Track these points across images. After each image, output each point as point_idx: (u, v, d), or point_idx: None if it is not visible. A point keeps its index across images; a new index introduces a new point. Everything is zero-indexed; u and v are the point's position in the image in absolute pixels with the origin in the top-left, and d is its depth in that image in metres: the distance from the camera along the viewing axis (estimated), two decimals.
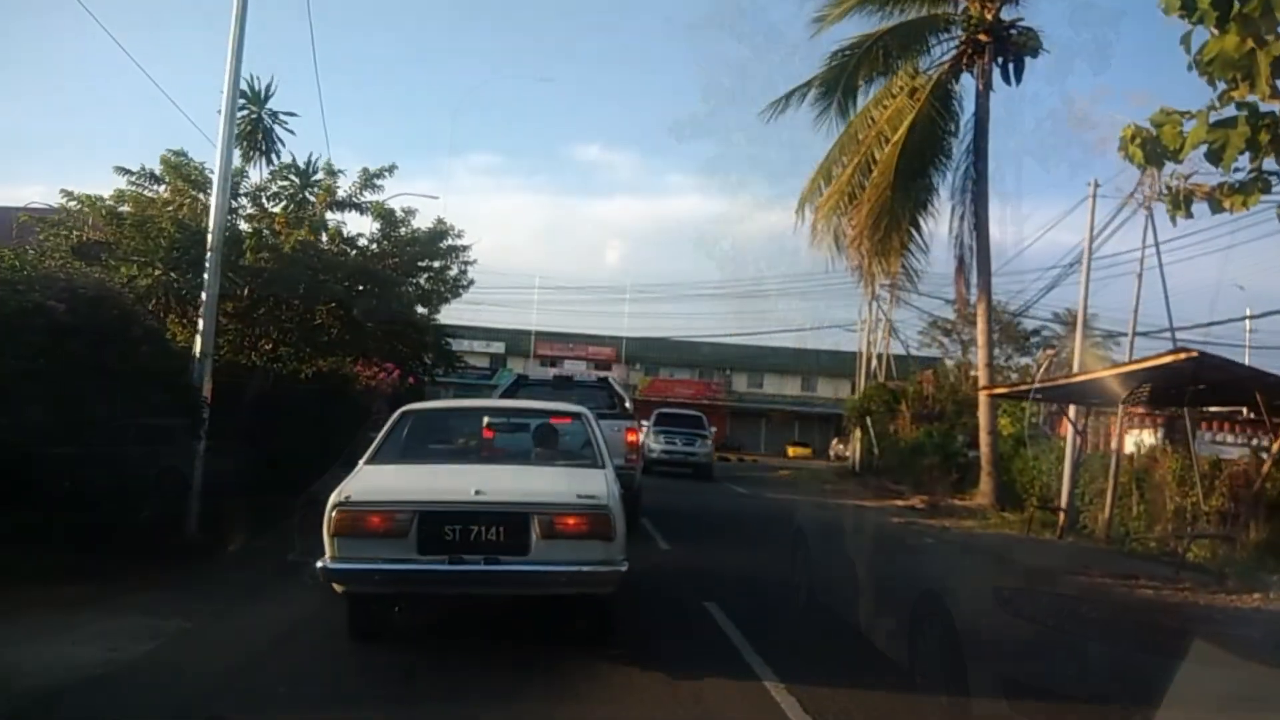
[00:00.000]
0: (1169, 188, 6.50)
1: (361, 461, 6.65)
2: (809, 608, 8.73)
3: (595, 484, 6.21)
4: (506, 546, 5.79)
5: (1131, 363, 13.77)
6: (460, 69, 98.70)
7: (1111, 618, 6.75)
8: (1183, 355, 12.22)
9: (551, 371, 26.49)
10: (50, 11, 73.16)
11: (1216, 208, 6.13)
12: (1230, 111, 5.47)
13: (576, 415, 7.89)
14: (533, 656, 6.34)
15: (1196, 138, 5.45)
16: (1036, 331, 42.83)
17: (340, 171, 13.47)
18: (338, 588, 5.90)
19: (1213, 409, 18.54)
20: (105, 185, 12.34)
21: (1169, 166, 6.14)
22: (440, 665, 6.08)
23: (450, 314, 22.50)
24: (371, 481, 6.27)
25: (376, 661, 6.16)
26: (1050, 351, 33.00)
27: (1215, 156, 5.43)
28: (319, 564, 5.76)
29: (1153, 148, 5.72)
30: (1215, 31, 5.24)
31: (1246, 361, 20.40)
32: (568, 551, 5.84)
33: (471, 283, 17.67)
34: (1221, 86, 5.48)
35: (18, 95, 74.55)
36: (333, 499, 5.80)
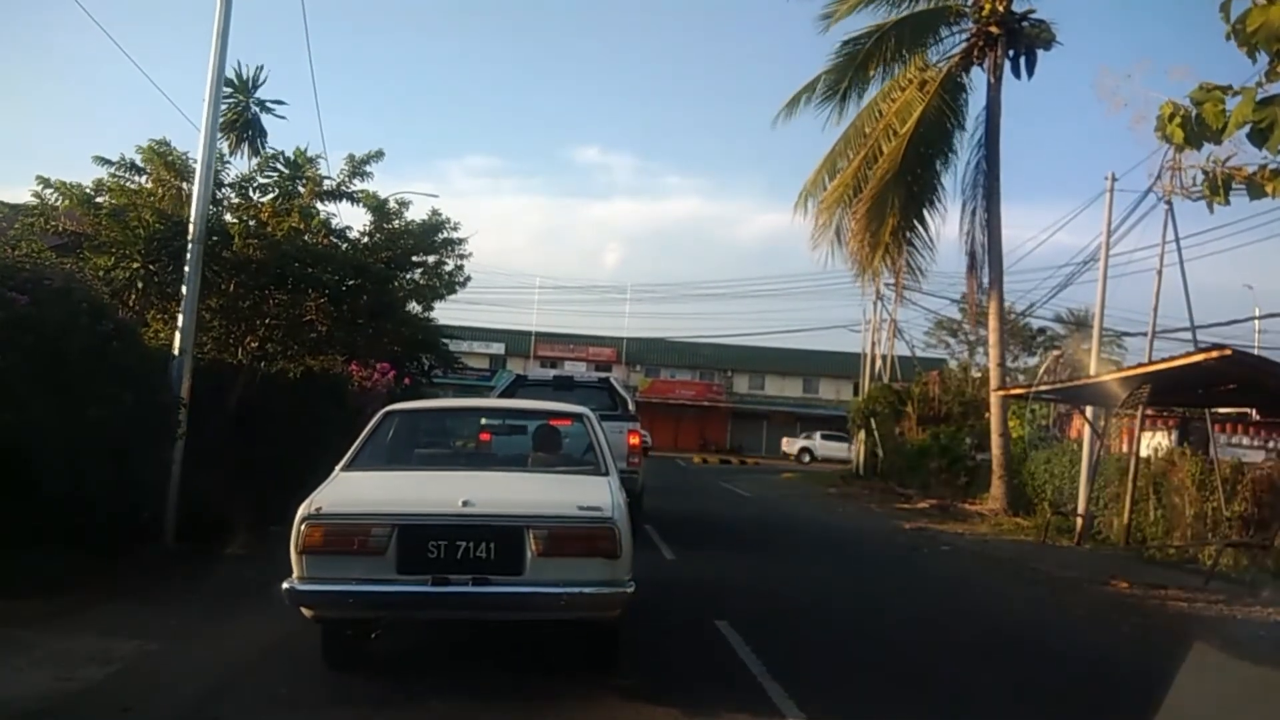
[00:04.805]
0: (1206, 172, 6.04)
1: (338, 468, 6.02)
2: (828, 627, 8.17)
3: (598, 494, 5.54)
4: (498, 565, 5.11)
5: (1160, 361, 13.23)
6: (461, 70, 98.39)
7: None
8: (1215, 354, 11.71)
9: (551, 372, 25.98)
10: (40, 8, 72.67)
11: (1257, 192, 5.76)
12: (1277, 89, 5.03)
13: (578, 416, 7.23)
14: (527, 689, 5.71)
15: (1241, 116, 5.01)
16: (1042, 331, 42.47)
17: (320, 157, 12.87)
18: (307, 612, 5.24)
19: (1222, 410, 18.05)
20: (87, 179, 11.77)
21: (1206, 149, 5.68)
22: (422, 699, 5.44)
23: (449, 314, 22.04)
24: (346, 491, 5.61)
25: (353, 694, 5.54)
26: (1056, 352, 32.52)
27: (1261, 137, 5.01)
28: (285, 585, 5.11)
29: (1192, 127, 5.26)
30: (1262, 1, 4.80)
31: None
32: (567, 571, 5.15)
33: (469, 279, 17.14)
34: (1264, 61, 5.05)
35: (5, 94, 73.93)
36: (301, 511, 5.14)
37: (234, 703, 5.42)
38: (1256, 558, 12.94)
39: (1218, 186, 5.81)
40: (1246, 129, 5.02)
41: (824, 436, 49.90)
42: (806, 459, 48.68)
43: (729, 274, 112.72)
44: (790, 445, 51.63)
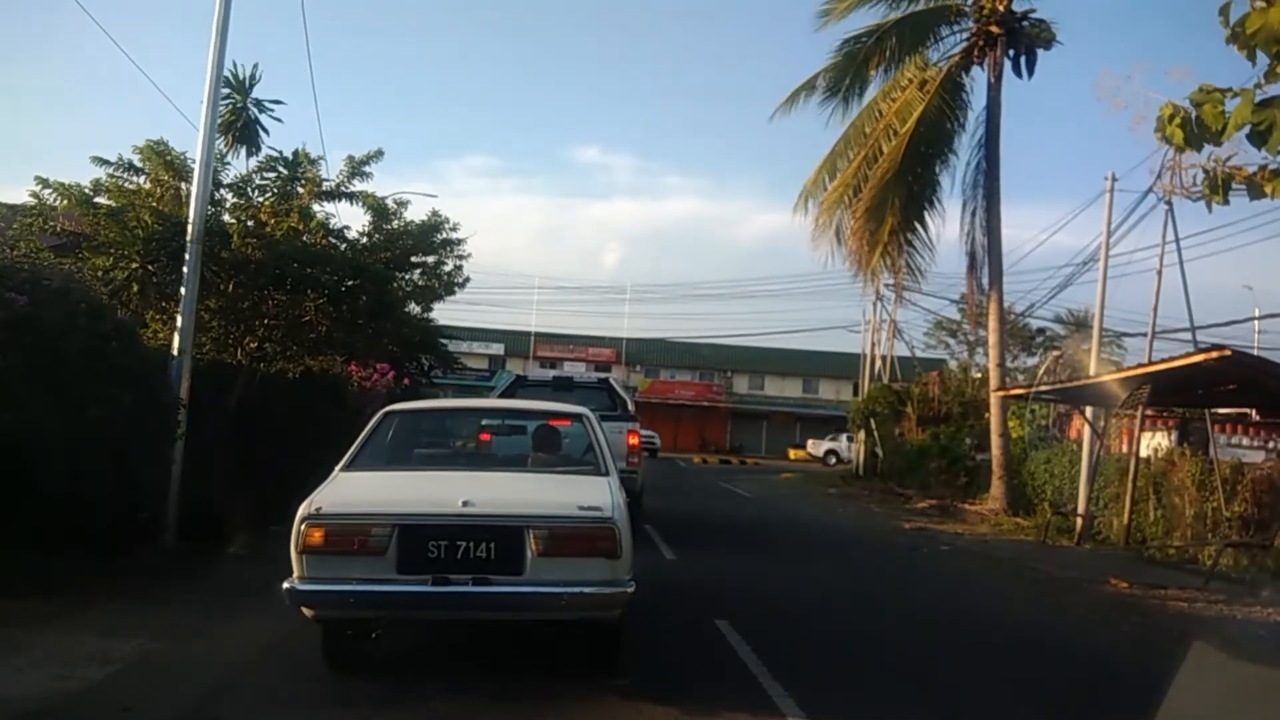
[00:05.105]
0: (1207, 171, 6.04)
1: (338, 468, 6.02)
2: (829, 627, 8.17)
3: (598, 494, 5.54)
4: (498, 565, 5.11)
5: (1160, 361, 13.25)
6: (461, 70, 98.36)
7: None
8: (1215, 354, 11.71)
9: (551, 373, 26.03)
10: (39, 8, 72.65)
11: (1257, 193, 5.77)
12: (1276, 90, 5.03)
13: (577, 417, 7.22)
14: (527, 689, 5.71)
15: (1241, 118, 5.02)
16: (1042, 331, 42.49)
17: (321, 158, 12.88)
18: (307, 612, 5.24)
19: (1222, 410, 18.05)
20: (85, 179, 11.76)
21: (1206, 150, 5.68)
22: (423, 699, 5.43)
23: (448, 315, 21.99)
24: (346, 491, 5.60)
25: (353, 694, 5.53)
26: (1056, 353, 32.53)
27: (1260, 138, 5.02)
28: (286, 585, 5.11)
29: (1192, 128, 5.27)
30: (1261, 4, 4.81)
31: None
32: (567, 571, 5.14)
33: (468, 280, 17.12)
34: (1265, 63, 5.06)
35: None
36: (301, 511, 5.14)
37: (234, 703, 5.42)
38: (1256, 558, 12.95)
39: (1217, 186, 5.82)
40: (1246, 130, 5.03)
41: (850, 438, 47.09)
42: (834, 461, 46.56)
43: (729, 274, 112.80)
44: (816, 447, 49.59)
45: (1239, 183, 5.78)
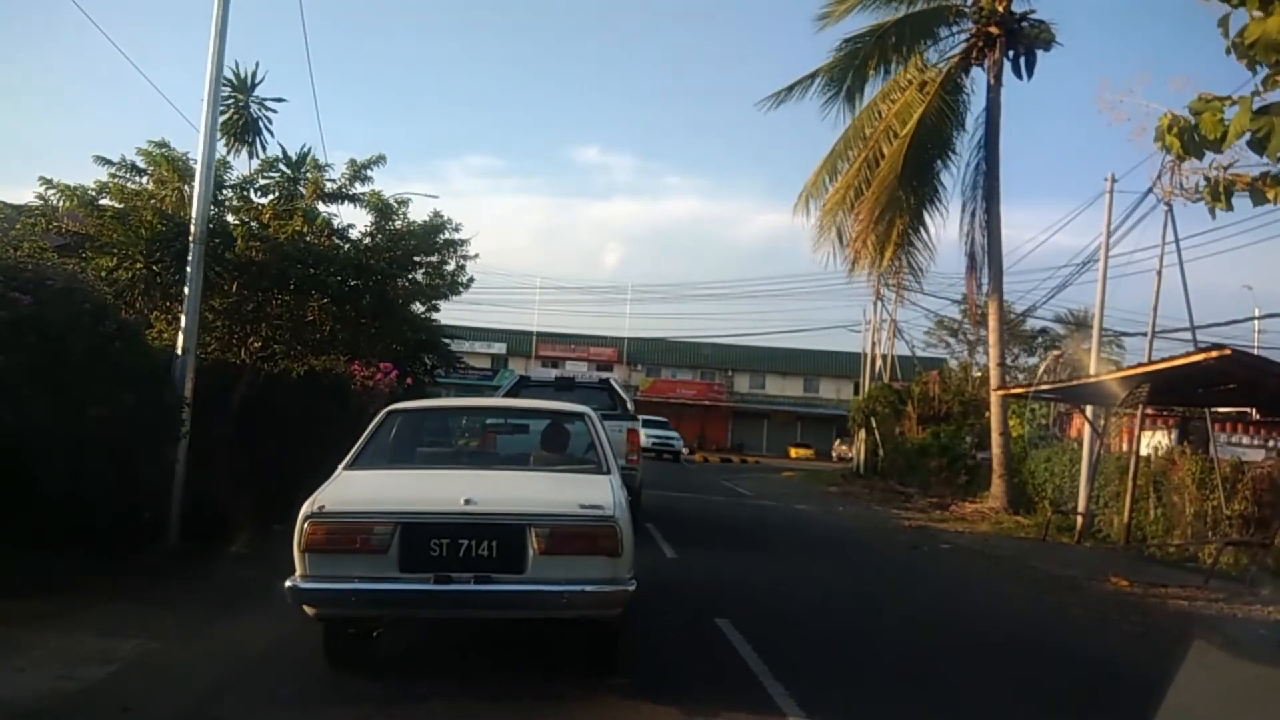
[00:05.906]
0: (1208, 179, 6.06)
1: (340, 467, 6.03)
2: (829, 626, 8.19)
3: (600, 492, 5.54)
4: (500, 563, 5.12)
5: (1160, 361, 13.25)
6: (461, 70, 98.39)
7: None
8: (1215, 354, 11.72)
9: (553, 372, 26.11)
10: (40, 8, 72.69)
11: (1259, 199, 5.80)
12: (1274, 97, 5.05)
13: (579, 416, 7.25)
14: (528, 689, 5.72)
15: (1239, 126, 5.06)
16: (1043, 331, 42.55)
17: (327, 165, 12.92)
18: (309, 610, 5.25)
19: (1222, 409, 18.07)
20: (87, 179, 11.78)
21: (1207, 157, 5.69)
22: (423, 699, 5.44)
23: (451, 315, 22.06)
24: (349, 489, 5.61)
25: (354, 694, 5.52)
26: (1056, 352, 32.55)
27: (1259, 145, 5.06)
28: (288, 583, 5.12)
29: (1191, 137, 5.29)
30: (1259, 14, 4.84)
31: None
32: (568, 569, 5.15)
33: (471, 280, 17.13)
34: (1264, 71, 5.07)
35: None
36: (304, 509, 5.15)
37: (234, 703, 5.42)
38: (1256, 556, 12.96)
39: (1219, 193, 5.83)
40: (1246, 137, 5.05)
41: None
42: None
43: (729, 274, 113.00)
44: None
45: (1241, 189, 5.80)
